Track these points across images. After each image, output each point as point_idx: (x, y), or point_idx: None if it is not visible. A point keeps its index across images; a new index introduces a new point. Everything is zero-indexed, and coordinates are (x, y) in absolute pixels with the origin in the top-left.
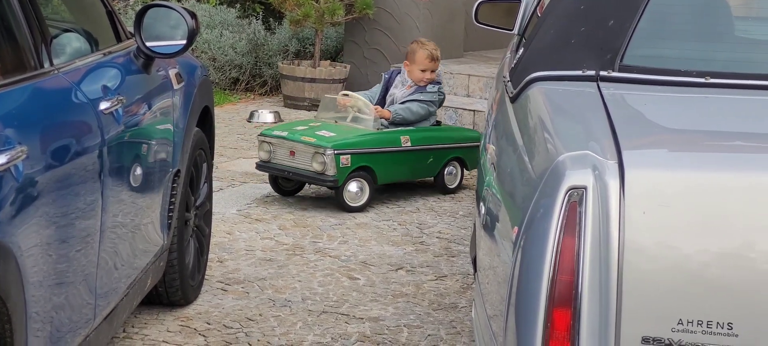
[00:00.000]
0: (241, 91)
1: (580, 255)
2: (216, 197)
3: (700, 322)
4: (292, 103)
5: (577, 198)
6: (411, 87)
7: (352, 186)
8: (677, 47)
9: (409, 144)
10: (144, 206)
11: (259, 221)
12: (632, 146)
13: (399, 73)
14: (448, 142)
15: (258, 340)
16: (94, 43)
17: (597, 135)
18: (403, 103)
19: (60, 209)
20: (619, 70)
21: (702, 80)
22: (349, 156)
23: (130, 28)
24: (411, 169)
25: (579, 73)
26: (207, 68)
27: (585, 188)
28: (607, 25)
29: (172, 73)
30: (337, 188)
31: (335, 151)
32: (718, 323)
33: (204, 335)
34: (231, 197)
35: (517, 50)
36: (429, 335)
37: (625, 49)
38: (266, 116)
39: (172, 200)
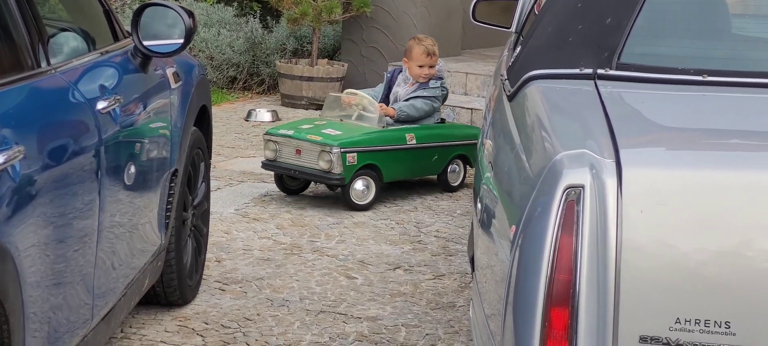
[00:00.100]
0: (238, 90)
1: (578, 254)
2: (214, 196)
3: (697, 321)
4: (289, 101)
5: (574, 197)
6: (413, 84)
7: (359, 184)
8: (674, 45)
9: (414, 142)
10: (141, 205)
11: (257, 220)
12: (630, 145)
13: (400, 71)
14: (452, 139)
15: (256, 340)
16: (91, 42)
17: (594, 133)
18: (406, 100)
19: (57, 209)
20: (617, 69)
21: (699, 78)
22: (355, 154)
23: (128, 27)
24: (416, 167)
25: (576, 71)
26: (204, 67)
27: (582, 186)
28: (604, 23)
29: (169, 72)
30: (344, 186)
31: (342, 150)
32: (715, 321)
33: (202, 335)
34: (228, 197)
35: (514, 48)
36: (427, 334)
37: (623, 47)
38: (264, 115)
39: (170, 199)
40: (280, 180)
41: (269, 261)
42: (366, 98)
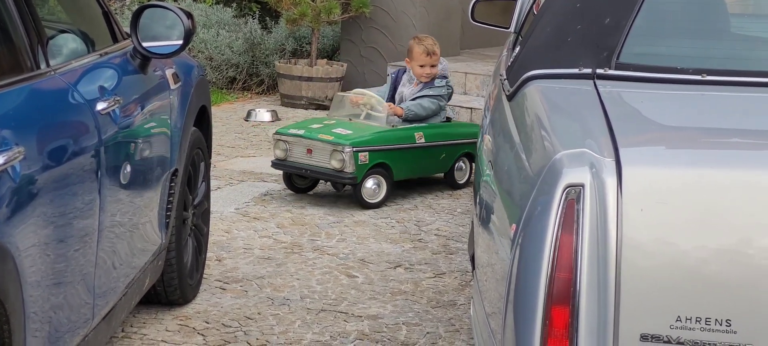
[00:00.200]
0: (238, 91)
1: (578, 252)
2: (214, 195)
3: (698, 319)
4: (289, 101)
5: (574, 196)
6: (418, 84)
7: (370, 183)
8: (673, 45)
9: (423, 140)
10: (142, 205)
11: (257, 219)
12: (629, 144)
13: (405, 71)
14: (459, 137)
15: (257, 339)
16: (90, 43)
17: (594, 133)
18: (413, 99)
19: (58, 209)
20: (616, 68)
21: (698, 77)
22: (367, 153)
23: (127, 29)
24: (425, 165)
25: (575, 71)
26: (204, 68)
27: (582, 185)
28: (603, 23)
29: (168, 73)
30: (356, 184)
31: (354, 149)
32: (716, 319)
33: (203, 335)
34: (229, 196)
35: (513, 48)
36: (427, 332)
37: (622, 47)
38: (264, 115)
39: (170, 199)
40: (288, 179)
41: (270, 260)
42: (374, 98)
